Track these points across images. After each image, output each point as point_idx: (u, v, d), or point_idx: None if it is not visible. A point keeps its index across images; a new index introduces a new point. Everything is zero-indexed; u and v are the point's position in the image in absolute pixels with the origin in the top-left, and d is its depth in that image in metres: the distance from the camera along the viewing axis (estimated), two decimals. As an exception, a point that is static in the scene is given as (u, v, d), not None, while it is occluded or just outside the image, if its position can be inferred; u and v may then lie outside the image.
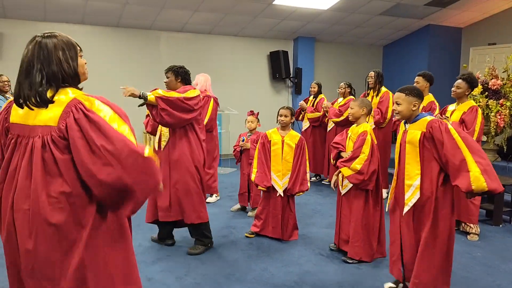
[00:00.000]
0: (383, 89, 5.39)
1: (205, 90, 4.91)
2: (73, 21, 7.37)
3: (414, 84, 4.57)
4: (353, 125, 3.56)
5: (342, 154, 3.49)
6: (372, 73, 5.40)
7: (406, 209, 2.62)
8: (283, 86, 9.43)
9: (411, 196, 2.59)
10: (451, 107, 4.22)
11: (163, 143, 3.53)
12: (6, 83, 5.15)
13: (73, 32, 7.38)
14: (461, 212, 4.02)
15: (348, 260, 3.39)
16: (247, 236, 3.99)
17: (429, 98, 4.71)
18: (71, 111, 1.50)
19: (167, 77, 3.59)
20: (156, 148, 3.59)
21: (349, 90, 6.15)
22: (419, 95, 2.64)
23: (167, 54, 8.29)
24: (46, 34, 1.59)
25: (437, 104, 4.68)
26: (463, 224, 4.12)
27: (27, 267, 1.50)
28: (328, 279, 3.11)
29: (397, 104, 2.64)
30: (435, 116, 2.84)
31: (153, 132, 3.78)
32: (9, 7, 6.75)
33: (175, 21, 7.79)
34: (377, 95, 5.39)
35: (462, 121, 4.00)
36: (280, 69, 8.92)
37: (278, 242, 3.88)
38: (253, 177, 3.91)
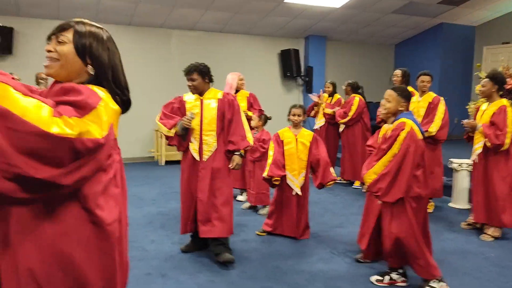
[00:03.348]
0: (409, 89, 5.31)
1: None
2: (86, 19, 7.41)
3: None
4: (385, 125, 3.49)
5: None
6: (398, 72, 5.19)
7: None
8: (294, 85, 9.42)
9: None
10: (483, 106, 4.09)
11: (207, 153, 3.31)
12: (44, 81, 5.12)
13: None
14: (495, 216, 3.88)
15: (360, 260, 3.39)
16: (258, 234, 4.01)
17: (431, 95, 4.76)
18: None
19: (193, 79, 3.30)
20: (197, 159, 3.32)
21: (331, 90, 6.54)
22: (408, 97, 2.86)
23: (178, 52, 8.33)
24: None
25: None
26: (485, 226, 4.01)
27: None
28: (340, 278, 3.11)
29: (387, 101, 2.85)
30: None
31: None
32: (22, 5, 6.84)
33: (186, 19, 7.82)
34: None
35: (492, 123, 3.83)
36: (291, 67, 8.91)
37: (290, 240, 3.88)
38: (265, 173, 3.83)
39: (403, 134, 2.72)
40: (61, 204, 1.27)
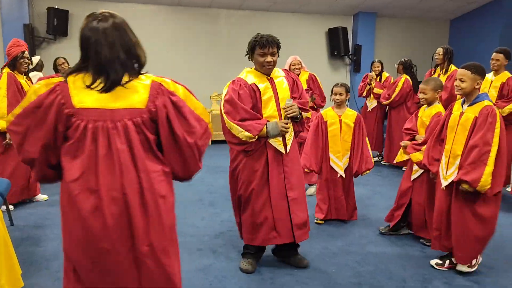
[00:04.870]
0: (452, 67, 5.10)
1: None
2: (137, 0, 7.57)
3: (493, 62, 4.43)
4: (422, 107, 3.43)
5: (417, 137, 3.35)
6: (440, 50, 5.13)
7: (444, 183, 2.77)
8: (341, 64, 9.21)
9: (452, 173, 2.72)
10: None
11: (289, 143, 2.78)
12: (63, 65, 5.38)
13: (137, 11, 7.51)
14: None
15: (426, 243, 3.33)
16: (318, 223, 3.83)
17: (506, 74, 4.48)
18: (157, 93, 1.59)
19: (274, 54, 2.69)
20: (284, 151, 2.75)
21: (380, 69, 6.42)
22: (483, 74, 2.71)
23: (226, 31, 8.35)
24: (108, 14, 1.56)
25: None
26: None
27: (142, 247, 1.56)
28: (391, 261, 3.06)
29: (461, 81, 2.71)
30: None
31: None
32: (78, -12, 7.07)
33: (234, -2, 7.80)
34: (444, 73, 5.12)
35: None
36: (338, 46, 8.70)
37: (338, 222, 3.86)
38: (301, 161, 3.80)
39: (498, 119, 2.55)
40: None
